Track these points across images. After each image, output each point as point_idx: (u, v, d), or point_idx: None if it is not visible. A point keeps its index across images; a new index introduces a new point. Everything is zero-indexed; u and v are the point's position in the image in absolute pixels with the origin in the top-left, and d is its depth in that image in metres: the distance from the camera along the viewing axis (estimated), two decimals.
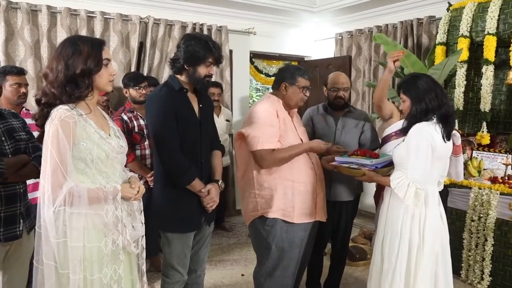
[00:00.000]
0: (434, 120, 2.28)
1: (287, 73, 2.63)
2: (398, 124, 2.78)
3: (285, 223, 2.55)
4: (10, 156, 2.15)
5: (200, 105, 2.43)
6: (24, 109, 3.12)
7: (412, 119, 2.32)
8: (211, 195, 2.38)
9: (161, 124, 2.27)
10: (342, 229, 3.18)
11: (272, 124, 2.52)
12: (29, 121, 2.98)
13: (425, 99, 2.27)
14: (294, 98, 2.62)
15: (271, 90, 2.80)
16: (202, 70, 2.31)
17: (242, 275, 3.79)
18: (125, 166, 3.04)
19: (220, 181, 2.50)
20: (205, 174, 2.44)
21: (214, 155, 2.55)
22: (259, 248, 2.69)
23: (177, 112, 2.28)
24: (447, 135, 2.28)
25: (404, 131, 2.38)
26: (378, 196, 3.32)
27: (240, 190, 2.75)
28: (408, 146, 2.25)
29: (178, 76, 2.35)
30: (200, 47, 2.27)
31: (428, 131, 2.23)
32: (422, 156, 2.21)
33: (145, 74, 4.42)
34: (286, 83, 2.62)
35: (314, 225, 2.70)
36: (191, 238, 2.43)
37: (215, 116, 4.63)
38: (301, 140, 2.66)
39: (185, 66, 2.30)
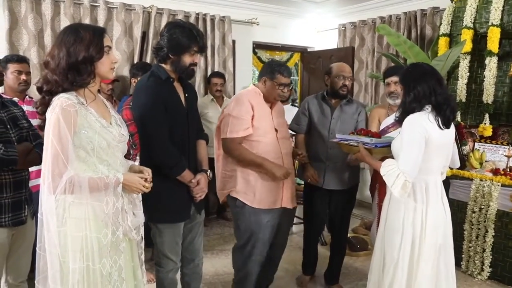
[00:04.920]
0: (429, 109, 2.23)
1: (269, 69, 2.76)
2: (390, 118, 2.97)
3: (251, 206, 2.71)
4: (16, 144, 2.18)
5: (186, 94, 2.43)
6: (27, 96, 3.14)
7: (403, 108, 2.30)
8: (200, 185, 2.39)
9: (150, 115, 2.24)
10: (339, 219, 3.22)
11: (242, 115, 2.66)
12: (31, 108, 3.01)
13: (415, 88, 2.24)
14: (272, 93, 2.75)
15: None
16: (186, 59, 2.29)
17: None
18: (135, 155, 3.07)
19: (209, 171, 2.51)
20: (192, 163, 2.43)
21: (199, 145, 2.55)
22: (234, 223, 2.91)
23: (166, 102, 2.26)
24: (443, 123, 2.23)
25: (398, 121, 2.36)
26: (374, 188, 3.35)
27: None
28: (402, 138, 2.23)
29: (163, 65, 2.33)
30: (185, 36, 2.25)
31: (420, 123, 2.18)
32: (414, 149, 2.17)
33: None
34: (266, 77, 2.74)
35: (285, 210, 2.82)
36: (182, 227, 2.44)
37: (217, 106, 4.66)
38: (276, 131, 2.78)
39: (170, 55, 2.28)
